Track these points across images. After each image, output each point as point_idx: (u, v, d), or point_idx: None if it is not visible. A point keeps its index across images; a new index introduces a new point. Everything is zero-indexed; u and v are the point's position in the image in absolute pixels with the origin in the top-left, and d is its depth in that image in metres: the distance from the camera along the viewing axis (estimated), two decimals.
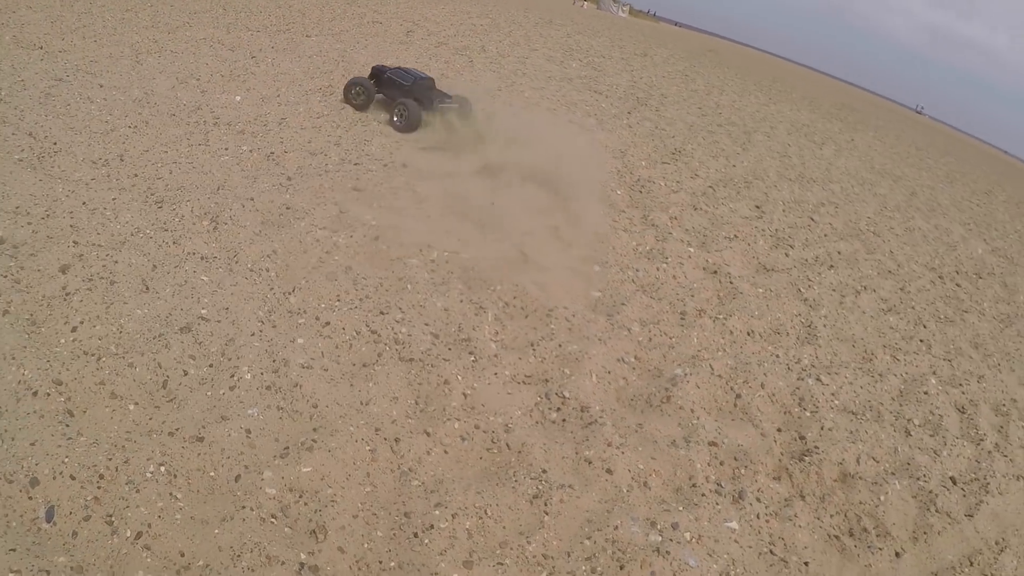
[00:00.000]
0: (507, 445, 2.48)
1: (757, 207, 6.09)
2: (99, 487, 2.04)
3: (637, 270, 4.02)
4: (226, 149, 4.64)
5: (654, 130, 7.59)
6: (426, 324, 3.06)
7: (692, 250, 4.41)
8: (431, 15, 13.03)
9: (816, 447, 2.86)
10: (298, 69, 7.04)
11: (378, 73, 6.09)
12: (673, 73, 13.56)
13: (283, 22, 9.79)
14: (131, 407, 2.34)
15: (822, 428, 3.02)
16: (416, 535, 2.10)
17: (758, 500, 2.50)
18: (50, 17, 7.24)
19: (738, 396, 3.04)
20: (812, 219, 6.37)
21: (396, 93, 5.87)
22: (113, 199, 3.58)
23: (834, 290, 4.76)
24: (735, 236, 4.89)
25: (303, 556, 1.96)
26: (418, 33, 10.67)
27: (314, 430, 2.38)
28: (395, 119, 5.73)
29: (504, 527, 2.18)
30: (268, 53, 7.49)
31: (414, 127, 5.61)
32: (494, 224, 4.06)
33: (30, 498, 1.95)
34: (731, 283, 4.10)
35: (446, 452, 2.43)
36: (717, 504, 2.43)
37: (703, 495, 2.45)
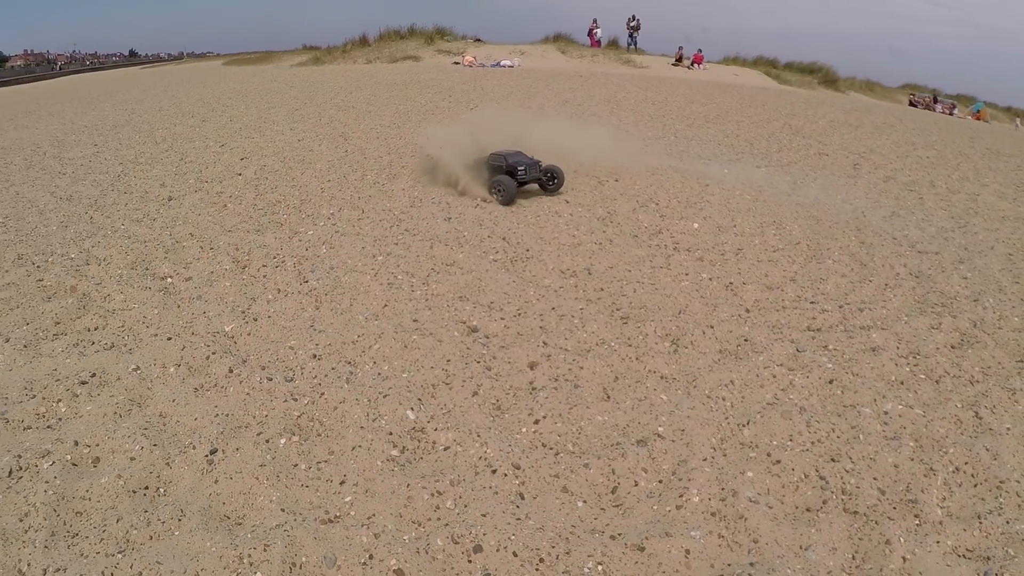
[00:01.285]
0: None
1: None
2: (537, 569, 3.16)
3: None
4: (686, 275, 6.55)
5: None
6: (874, 478, 3.92)
7: None
8: (876, 146, 16.61)
9: None
10: (748, 199, 9.56)
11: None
12: None
13: (733, 151, 13.46)
14: (579, 504, 3.55)
15: None
16: None
17: None
18: None
19: None
20: None
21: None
22: (580, 309, 5.54)
23: None
24: None
25: None
26: (864, 166, 13.60)
27: (751, 564, 3.23)
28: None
29: None
30: (719, 182, 10.35)
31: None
32: (947, 382, 5.08)
33: (470, 562, 3.16)
34: None
35: None
36: None
37: None
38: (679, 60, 36.42)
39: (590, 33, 38.01)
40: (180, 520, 3.20)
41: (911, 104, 40.77)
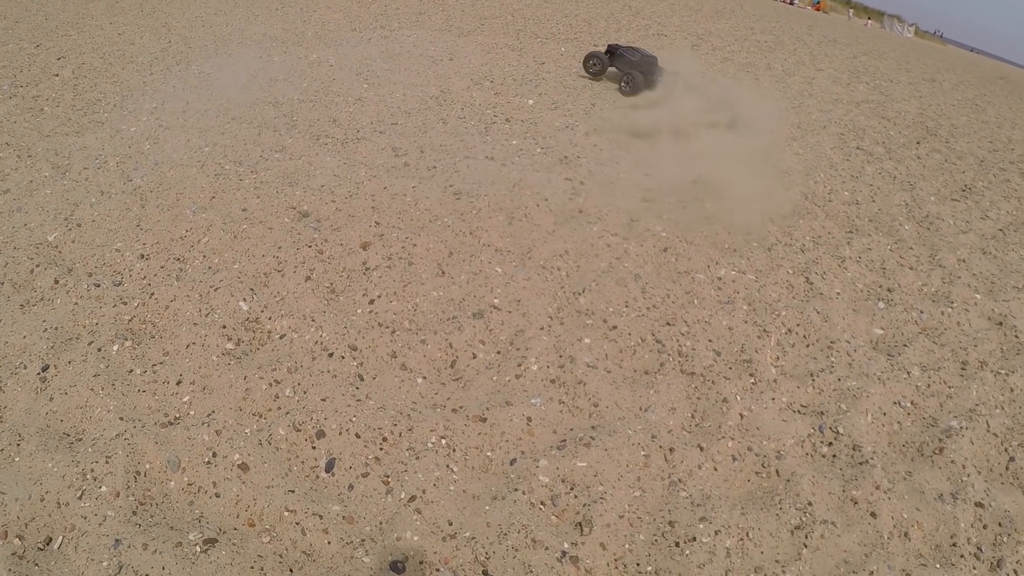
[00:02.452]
0: (776, 472, 3.34)
1: None
2: (381, 449, 3.08)
3: (921, 311, 5.08)
4: (521, 150, 6.48)
5: (943, 163, 9.46)
6: (710, 340, 4.14)
7: (979, 296, 5.54)
8: (715, 29, 17.30)
9: None
10: (584, 80, 9.77)
11: (612, 50, 9.65)
12: (963, 101, 16.33)
13: (571, 31, 13.57)
14: (419, 380, 3.48)
15: None
16: (677, 544, 2.88)
17: (1015, 572, 3.12)
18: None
19: (1011, 459, 3.77)
20: None
21: (625, 66, 9.40)
22: (413, 187, 5.36)
23: None
24: None
25: (566, 545, 2.77)
26: (703, 48, 14.04)
27: (592, 428, 3.32)
28: (623, 85, 9.33)
29: (763, 552, 2.95)
30: (556, 60, 10.51)
31: (637, 93, 9.15)
32: (781, 247, 5.42)
33: (314, 448, 3.07)
34: (1016, 337, 5.05)
35: (716, 469, 3.27)
36: (974, 569, 3.10)
37: (962, 556, 3.13)
38: None
39: None
40: (19, 444, 2.93)
41: None
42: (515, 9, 15.08)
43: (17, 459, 2.86)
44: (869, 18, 43.68)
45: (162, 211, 4.85)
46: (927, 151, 9.64)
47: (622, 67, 9.46)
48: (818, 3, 42.26)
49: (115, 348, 3.50)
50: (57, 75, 8.20)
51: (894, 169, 8.22)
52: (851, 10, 45.65)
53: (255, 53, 9.23)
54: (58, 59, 8.98)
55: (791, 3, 40.36)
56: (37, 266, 4.20)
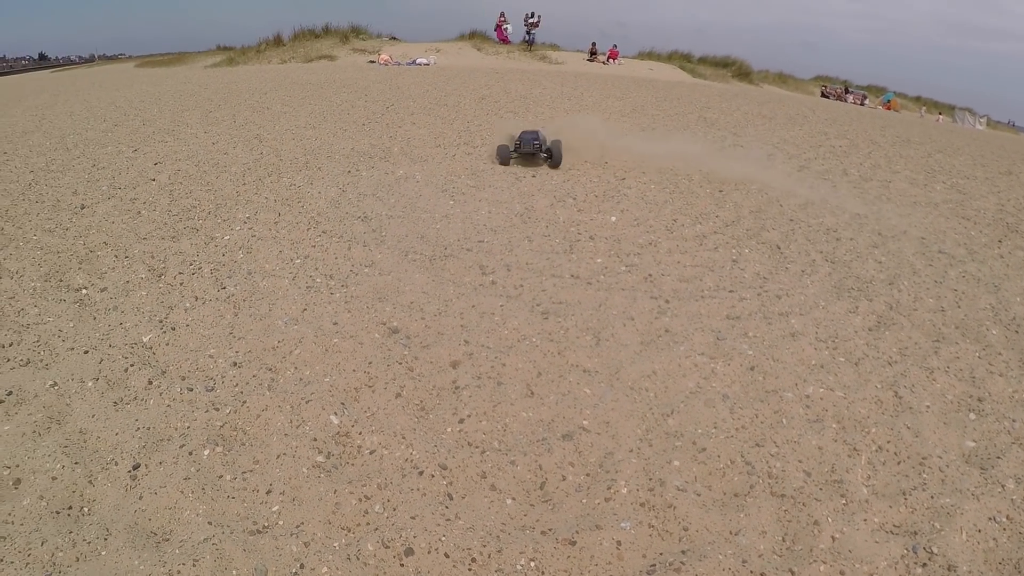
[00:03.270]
0: None
1: None
2: (470, 569, 3.15)
3: (1013, 420, 4.83)
4: (605, 268, 6.65)
5: None
6: (799, 461, 4.09)
7: None
8: (790, 137, 17.41)
9: None
10: (665, 191, 9.94)
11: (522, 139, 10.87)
12: None
13: (648, 145, 13.62)
14: (508, 501, 3.56)
15: None
16: None
17: None
18: (431, 129, 10.71)
19: None
20: None
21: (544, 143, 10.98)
22: (501, 305, 5.57)
23: None
24: None
25: None
26: (779, 156, 14.19)
27: (682, 552, 3.32)
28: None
29: None
30: (636, 176, 10.70)
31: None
32: (867, 364, 5.32)
33: (402, 565, 3.14)
34: None
35: None
36: None
37: None
38: (593, 55, 36.75)
39: (498, 28, 37.95)
40: (106, 539, 3.08)
41: (823, 95, 42.10)
42: (593, 126, 15.58)
43: (104, 553, 3.01)
44: (940, 113, 43.41)
45: (255, 320, 5.12)
46: (1009, 249, 9.44)
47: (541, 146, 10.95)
48: (889, 102, 42.43)
49: (206, 453, 3.69)
50: (154, 180, 8.80)
51: (977, 271, 8.08)
52: (923, 107, 45.49)
53: (343, 167, 9.77)
54: (155, 164, 9.66)
55: (862, 103, 40.61)
56: (131, 365, 4.49)
